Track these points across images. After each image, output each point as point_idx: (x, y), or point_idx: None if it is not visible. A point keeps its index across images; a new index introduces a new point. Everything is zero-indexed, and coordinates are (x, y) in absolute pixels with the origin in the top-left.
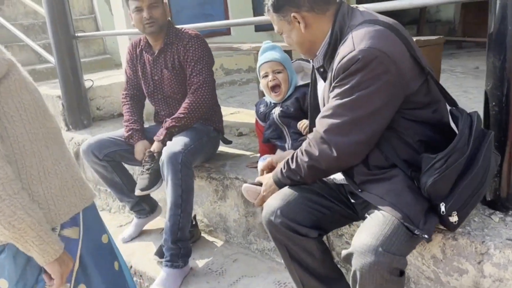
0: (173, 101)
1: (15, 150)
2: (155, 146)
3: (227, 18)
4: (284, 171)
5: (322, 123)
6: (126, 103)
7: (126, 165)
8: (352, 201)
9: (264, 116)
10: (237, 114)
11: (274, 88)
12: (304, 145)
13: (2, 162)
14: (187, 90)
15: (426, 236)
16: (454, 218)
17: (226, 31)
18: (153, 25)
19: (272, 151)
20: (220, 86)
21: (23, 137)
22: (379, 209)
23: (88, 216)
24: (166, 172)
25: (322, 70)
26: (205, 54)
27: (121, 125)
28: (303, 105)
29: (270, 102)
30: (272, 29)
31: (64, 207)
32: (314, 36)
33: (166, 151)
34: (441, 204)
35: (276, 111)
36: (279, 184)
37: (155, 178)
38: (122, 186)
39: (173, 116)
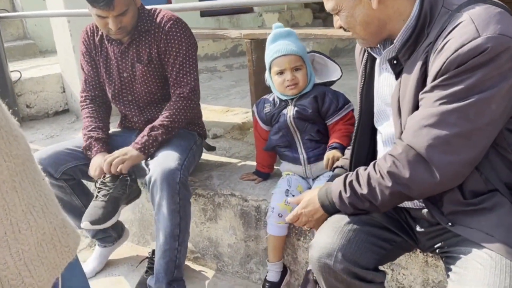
0: (147, 104)
1: None
2: (133, 158)
3: (169, 0)
4: (346, 196)
5: (421, 136)
6: (86, 107)
7: (85, 181)
8: (418, 229)
9: (270, 118)
10: None
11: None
12: (385, 163)
13: None
14: (172, 91)
15: None
16: None
17: None
18: (121, 33)
19: (273, 160)
20: None
21: None
22: (480, 247)
23: (69, 275)
24: (158, 195)
25: (395, 62)
26: (191, 45)
27: (59, 126)
28: (321, 107)
29: (279, 101)
30: (221, 14)
31: (43, 273)
32: (386, 16)
33: (160, 168)
34: None
35: (289, 111)
36: (330, 211)
37: (113, 209)
38: (83, 209)
39: (160, 123)
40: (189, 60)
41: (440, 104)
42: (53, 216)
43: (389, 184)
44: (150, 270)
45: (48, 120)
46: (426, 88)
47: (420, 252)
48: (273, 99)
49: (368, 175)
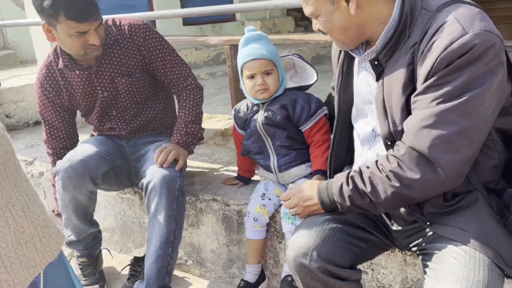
0: (132, 116)
1: None
2: (179, 154)
3: (151, 9)
4: (347, 189)
5: (422, 137)
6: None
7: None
8: (394, 228)
9: (244, 123)
10: None
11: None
12: (389, 164)
13: None
14: (175, 89)
15: None
16: None
17: (150, 24)
18: (97, 49)
19: (254, 165)
20: None
21: None
22: (455, 243)
23: (52, 275)
24: (156, 200)
25: (376, 63)
26: (167, 42)
27: (39, 135)
28: (292, 115)
29: (252, 106)
30: (203, 22)
31: (20, 270)
32: (364, 20)
33: (160, 173)
34: None
35: (259, 117)
36: (325, 203)
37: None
38: (89, 212)
39: (191, 119)
40: (176, 55)
41: (437, 103)
42: (35, 215)
43: (396, 184)
44: (132, 277)
45: (28, 129)
46: (418, 90)
47: (399, 251)
48: (247, 104)
49: (372, 173)
